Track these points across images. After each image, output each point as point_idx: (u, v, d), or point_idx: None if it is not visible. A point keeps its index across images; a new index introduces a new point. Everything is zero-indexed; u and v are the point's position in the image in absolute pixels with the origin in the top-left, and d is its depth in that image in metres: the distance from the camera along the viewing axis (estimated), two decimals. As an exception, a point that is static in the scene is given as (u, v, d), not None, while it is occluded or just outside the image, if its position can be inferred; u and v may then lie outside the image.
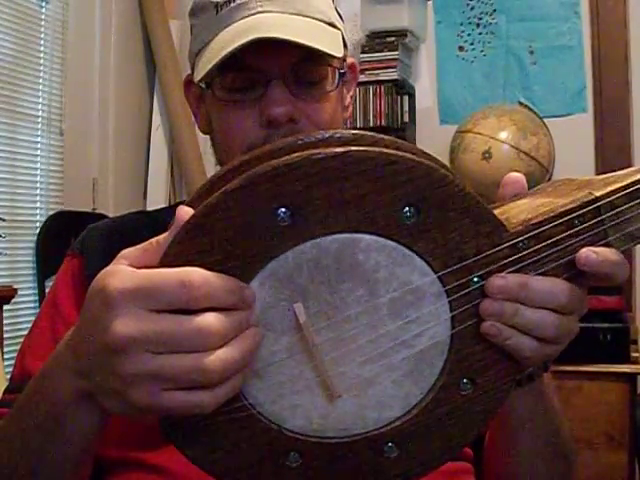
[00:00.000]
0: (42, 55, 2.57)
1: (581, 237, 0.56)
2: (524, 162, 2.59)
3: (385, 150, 0.52)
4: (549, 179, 2.70)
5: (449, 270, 0.54)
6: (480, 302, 0.55)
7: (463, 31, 2.96)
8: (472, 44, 2.95)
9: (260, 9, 0.80)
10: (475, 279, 0.55)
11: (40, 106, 2.56)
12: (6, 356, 2.11)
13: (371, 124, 2.85)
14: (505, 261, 0.55)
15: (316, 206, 0.51)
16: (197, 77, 0.81)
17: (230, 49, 0.76)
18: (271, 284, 0.52)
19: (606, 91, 2.76)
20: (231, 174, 0.52)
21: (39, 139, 2.56)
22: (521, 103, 2.83)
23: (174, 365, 0.48)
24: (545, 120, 2.75)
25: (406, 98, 2.91)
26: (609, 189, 0.57)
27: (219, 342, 0.49)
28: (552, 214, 0.56)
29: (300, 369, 0.54)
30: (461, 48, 2.97)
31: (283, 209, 0.51)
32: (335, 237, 0.52)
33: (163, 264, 0.51)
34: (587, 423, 2.20)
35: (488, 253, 0.54)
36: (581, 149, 2.74)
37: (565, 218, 0.56)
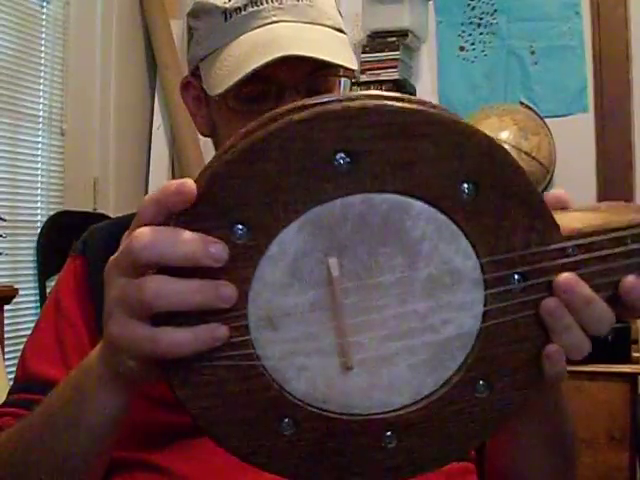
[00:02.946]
0: (43, 55, 2.57)
1: (631, 259, 0.54)
2: (525, 162, 2.59)
3: (457, 119, 0.50)
4: (550, 179, 2.70)
5: (494, 259, 0.52)
6: (515, 303, 0.53)
7: (464, 31, 2.96)
8: (473, 44, 2.95)
9: (275, 18, 0.79)
10: (517, 276, 0.53)
11: (41, 106, 2.56)
12: (7, 356, 2.10)
13: (372, 124, 2.85)
14: (551, 264, 0.53)
15: (377, 159, 0.49)
16: (215, 90, 0.80)
17: (255, 66, 0.75)
18: (310, 231, 0.50)
19: (607, 91, 2.76)
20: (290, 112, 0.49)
21: (40, 139, 2.56)
22: (522, 103, 2.83)
23: (131, 289, 0.49)
24: (546, 120, 2.75)
25: (407, 98, 2.90)
26: None
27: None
28: (606, 227, 0.54)
29: (318, 328, 0.51)
30: (462, 48, 2.96)
31: (343, 154, 0.49)
32: (388, 196, 0.50)
33: (208, 183, 0.48)
34: (588, 423, 2.19)
35: (536, 251, 0.52)
36: (582, 149, 2.74)
37: (618, 234, 0.54)
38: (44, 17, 2.58)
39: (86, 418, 0.60)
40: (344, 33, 0.85)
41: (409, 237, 0.51)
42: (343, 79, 0.85)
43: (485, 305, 0.52)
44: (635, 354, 2.30)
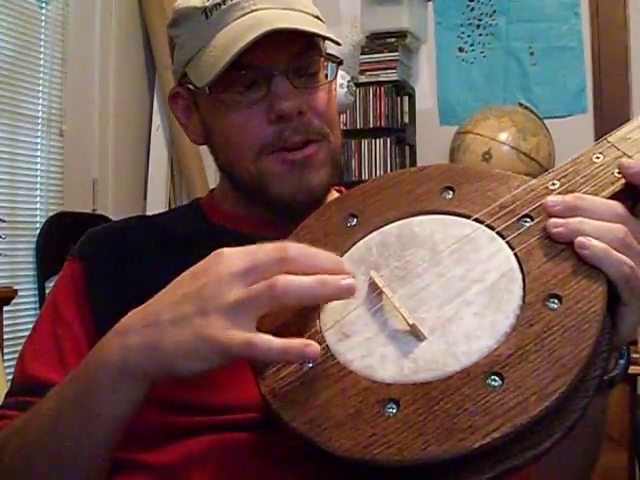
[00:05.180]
0: (42, 56, 2.58)
1: (606, 164, 0.63)
2: (524, 163, 2.59)
3: (416, 167, 0.71)
4: (549, 180, 2.71)
5: (494, 217, 0.63)
6: (532, 228, 0.60)
7: (463, 32, 2.96)
8: (472, 45, 2.95)
9: (254, 7, 0.80)
10: (525, 219, 0.62)
11: (40, 107, 2.56)
12: (6, 357, 2.10)
13: (371, 125, 2.85)
14: (544, 199, 0.61)
15: (373, 208, 0.68)
16: (202, 82, 0.80)
17: (243, 44, 0.76)
18: (349, 266, 0.63)
19: (606, 91, 2.76)
20: None
21: (39, 140, 2.56)
22: (521, 104, 2.83)
23: (262, 287, 0.56)
24: (545, 121, 2.75)
25: (406, 99, 2.91)
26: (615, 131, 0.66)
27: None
28: (571, 158, 0.64)
29: (383, 322, 0.60)
30: (461, 49, 2.97)
31: (350, 216, 0.68)
32: (393, 224, 0.67)
33: None
34: (587, 424, 2.19)
35: (525, 196, 0.63)
36: (581, 150, 2.73)
37: (585, 156, 0.65)
38: (43, 18, 2.58)
39: (102, 412, 0.62)
40: (322, 21, 0.85)
41: (422, 236, 0.65)
42: (330, 66, 0.85)
43: (509, 244, 0.61)
44: (634, 355, 2.30)
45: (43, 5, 2.57)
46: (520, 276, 0.59)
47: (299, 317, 0.62)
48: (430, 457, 0.51)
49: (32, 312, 2.46)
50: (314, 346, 0.56)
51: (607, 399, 0.70)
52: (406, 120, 2.89)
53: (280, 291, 0.56)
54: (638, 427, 2.22)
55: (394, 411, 0.54)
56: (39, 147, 2.56)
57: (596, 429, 0.73)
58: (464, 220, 0.64)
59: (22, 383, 0.79)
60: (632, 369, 2.25)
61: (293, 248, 0.58)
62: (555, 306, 0.56)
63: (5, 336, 2.21)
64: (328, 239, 0.67)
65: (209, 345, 0.57)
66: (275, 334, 0.59)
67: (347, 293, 0.58)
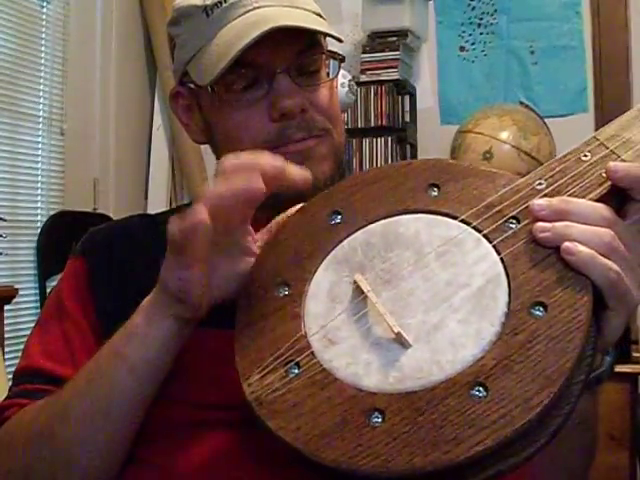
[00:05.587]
0: (43, 55, 2.58)
1: (594, 164, 0.61)
2: (525, 162, 2.59)
3: (402, 162, 0.69)
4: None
5: (480, 219, 0.61)
6: (519, 231, 0.59)
7: (464, 31, 2.96)
8: (473, 44, 2.95)
9: (256, 5, 0.80)
10: (512, 221, 0.60)
11: (41, 106, 2.57)
12: (7, 356, 2.11)
13: (372, 124, 2.85)
14: (530, 201, 0.60)
15: (358, 205, 0.66)
16: (204, 80, 0.80)
17: (247, 40, 0.76)
18: (333, 267, 0.64)
19: (607, 91, 2.76)
20: None
21: (40, 139, 2.56)
22: (522, 103, 2.83)
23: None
24: (546, 120, 2.75)
25: (407, 98, 2.91)
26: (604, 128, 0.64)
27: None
28: (559, 156, 0.62)
29: (368, 329, 0.59)
30: (462, 48, 2.96)
31: (334, 213, 0.67)
32: (378, 222, 0.65)
33: (256, 261, 0.67)
34: (588, 423, 2.19)
35: (513, 197, 0.61)
36: (582, 149, 2.74)
37: (573, 155, 0.62)
38: (44, 17, 2.58)
39: (131, 351, 0.66)
40: (324, 19, 0.85)
41: (407, 237, 0.63)
42: (332, 64, 0.85)
43: (491, 244, 0.60)
44: (635, 354, 2.30)
45: (44, 4, 2.57)
46: (506, 282, 0.58)
47: (283, 322, 0.62)
48: (415, 469, 0.51)
49: (33, 311, 2.47)
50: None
51: (597, 395, 0.70)
52: (407, 119, 2.89)
53: (204, 199, 0.61)
54: (639, 426, 2.22)
55: (379, 421, 0.54)
56: (40, 146, 2.56)
57: (590, 426, 0.73)
58: (450, 221, 0.63)
59: (29, 374, 0.79)
60: (633, 368, 2.25)
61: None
62: (540, 314, 0.55)
63: (6, 335, 2.21)
64: (312, 237, 0.66)
65: (171, 247, 0.63)
66: (260, 338, 0.61)
67: (251, 193, 0.62)
